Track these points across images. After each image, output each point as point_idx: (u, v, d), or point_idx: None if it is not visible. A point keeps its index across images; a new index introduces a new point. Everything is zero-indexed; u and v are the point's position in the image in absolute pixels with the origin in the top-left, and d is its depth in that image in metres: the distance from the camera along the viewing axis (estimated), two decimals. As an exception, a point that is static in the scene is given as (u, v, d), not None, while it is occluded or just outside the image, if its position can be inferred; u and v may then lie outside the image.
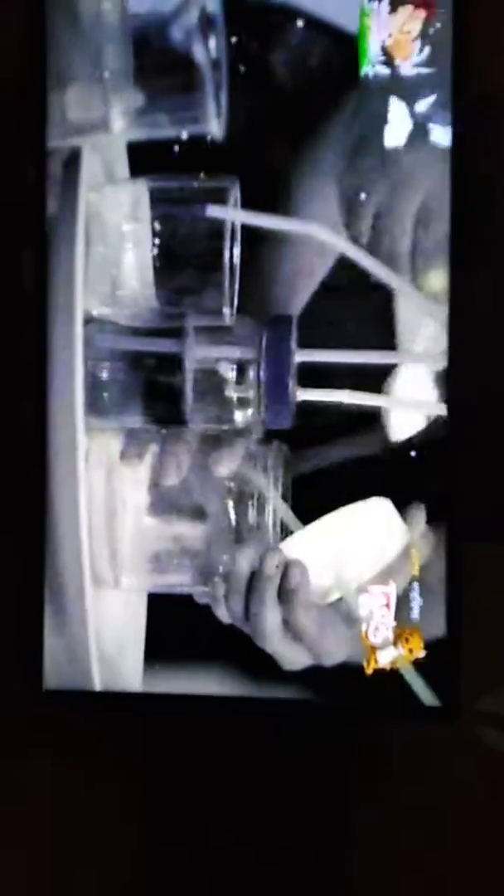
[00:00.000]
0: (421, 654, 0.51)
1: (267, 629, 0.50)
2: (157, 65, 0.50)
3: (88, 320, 0.51)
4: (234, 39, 0.50)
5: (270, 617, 0.50)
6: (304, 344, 0.51)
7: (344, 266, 0.51)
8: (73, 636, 0.52)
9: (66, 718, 0.55)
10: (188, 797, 0.56)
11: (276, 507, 0.51)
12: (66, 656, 0.52)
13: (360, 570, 0.51)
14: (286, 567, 0.50)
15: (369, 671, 0.51)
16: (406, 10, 0.49)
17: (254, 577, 0.50)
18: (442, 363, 0.51)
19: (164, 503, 0.52)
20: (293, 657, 0.51)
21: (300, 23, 0.50)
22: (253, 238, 0.51)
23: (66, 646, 0.52)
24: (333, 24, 0.50)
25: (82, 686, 0.52)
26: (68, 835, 0.56)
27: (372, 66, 0.50)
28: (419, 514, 0.51)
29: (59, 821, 0.56)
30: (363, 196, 0.50)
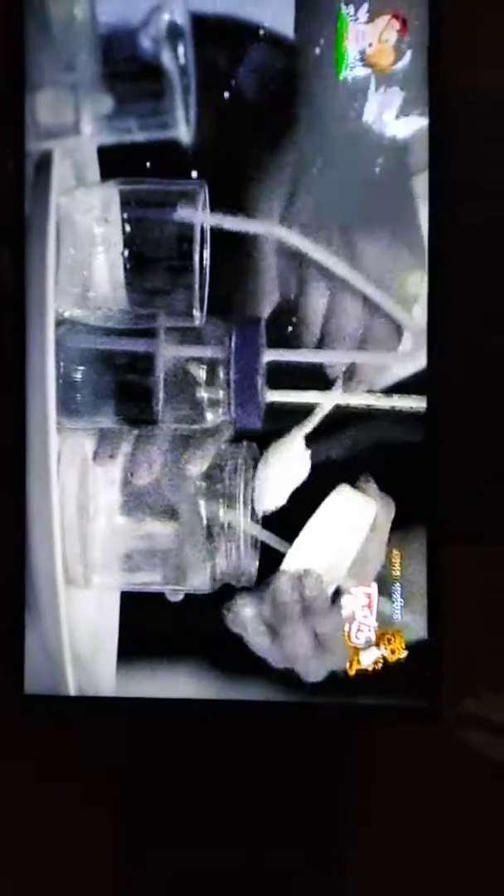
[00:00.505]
0: (403, 655, 0.51)
1: (302, 649, 0.51)
2: (127, 72, 0.51)
3: (60, 322, 0.52)
4: (201, 48, 0.51)
5: (302, 635, 0.51)
6: (275, 344, 0.52)
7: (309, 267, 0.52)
8: (47, 637, 0.52)
9: (47, 721, 0.55)
10: (173, 800, 0.55)
11: (248, 529, 0.52)
12: (41, 658, 0.52)
13: (346, 554, 0.51)
14: (299, 580, 0.51)
15: (352, 672, 0.52)
16: (383, 20, 0.51)
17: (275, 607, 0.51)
18: (415, 364, 0.51)
19: (135, 502, 0.53)
20: (319, 668, 0.52)
21: (262, 33, 0.51)
22: (222, 241, 0.52)
23: (40, 647, 0.52)
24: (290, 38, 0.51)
25: (56, 687, 0.52)
26: (53, 839, 0.56)
27: (350, 70, 0.51)
28: (370, 485, 0.51)
29: (44, 825, 0.56)
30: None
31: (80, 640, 0.53)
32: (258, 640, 0.51)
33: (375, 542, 0.51)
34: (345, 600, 0.51)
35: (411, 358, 0.51)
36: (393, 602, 0.51)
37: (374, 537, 0.51)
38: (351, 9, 0.51)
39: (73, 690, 0.52)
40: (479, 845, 0.53)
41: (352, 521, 0.51)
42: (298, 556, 0.51)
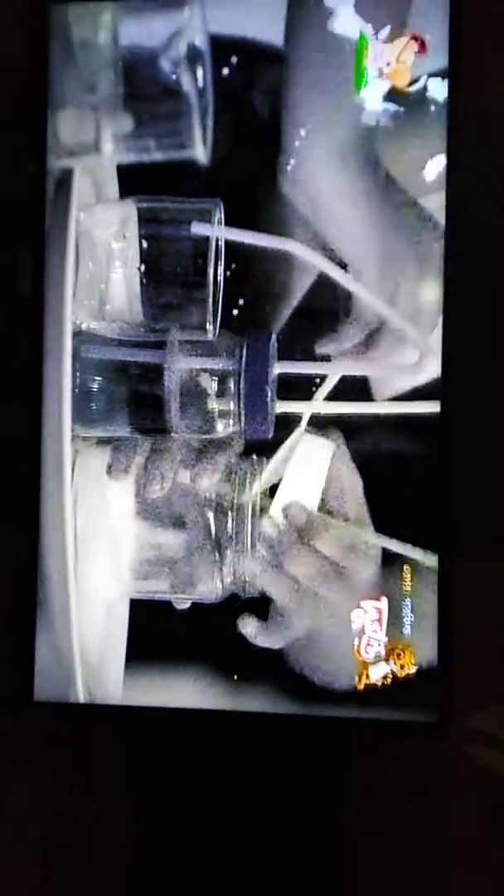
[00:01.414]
0: (412, 670, 0.51)
1: (312, 568, 0.51)
2: (147, 93, 0.53)
3: (78, 333, 0.53)
4: (220, 71, 0.53)
5: (305, 555, 0.51)
6: (286, 357, 0.53)
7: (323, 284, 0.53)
8: (57, 645, 0.53)
9: (56, 728, 0.55)
10: (179, 808, 0.55)
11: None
12: (51, 666, 0.53)
13: (317, 486, 0.53)
14: (286, 514, 0.52)
15: (360, 686, 0.51)
16: (401, 42, 0.52)
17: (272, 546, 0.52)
18: (425, 376, 0.52)
19: (147, 513, 0.54)
20: (340, 595, 0.51)
21: (278, 55, 0.53)
22: (236, 257, 0.53)
23: (50, 655, 0.53)
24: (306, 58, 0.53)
25: (66, 694, 0.53)
26: (61, 841, 0.56)
27: (369, 87, 0.52)
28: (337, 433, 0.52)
29: (50, 830, 0.56)
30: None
31: (90, 648, 0.53)
32: (267, 581, 0.52)
33: (344, 471, 0.52)
34: (355, 615, 0.51)
35: (419, 370, 0.52)
36: (403, 617, 0.52)
37: (341, 467, 0.52)
38: (370, 29, 0.52)
39: (82, 698, 0.53)
40: (487, 860, 0.53)
41: (315, 459, 0.52)
42: (280, 500, 0.53)
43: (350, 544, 0.52)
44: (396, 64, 0.52)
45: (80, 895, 0.56)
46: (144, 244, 0.53)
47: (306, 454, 0.52)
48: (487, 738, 0.53)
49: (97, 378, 0.53)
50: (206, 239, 0.52)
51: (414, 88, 0.52)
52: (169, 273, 0.53)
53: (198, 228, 0.52)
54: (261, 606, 0.53)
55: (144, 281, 0.53)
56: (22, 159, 0.54)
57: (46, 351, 0.52)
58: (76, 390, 0.52)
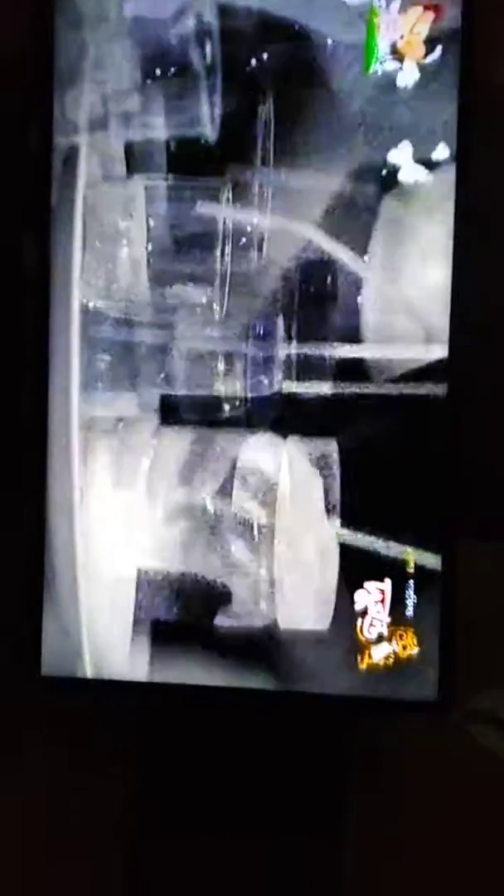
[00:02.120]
0: (415, 650, 0.51)
1: None
2: (155, 70, 0.52)
3: (85, 312, 0.53)
4: (228, 47, 0.52)
5: None
6: (291, 338, 0.52)
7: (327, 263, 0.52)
8: (64, 620, 0.53)
9: (63, 704, 0.55)
10: (182, 782, 0.56)
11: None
12: (58, 641, 0.53)
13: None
14: None
15: (363, 666, 0.51)
16: (416, 11, 0.50)
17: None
18: (431, 356, 0.51)
19: (153, 494, 0.54)
20: None
21: (292, 30, 0.52)
22: (243, 237, 0.52)
23: (57, 630, 0.53)
24: (322, 32, 0.51)
25: (74, 669, 0.53)
26: (64, 821, 0.56)
27: (380, 64, 0.51)
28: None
29: (55, 806, 0.56)
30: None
31: (97, 623, 0.53)
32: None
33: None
34: (358, 595, 0.51)
35: (426, 352, 0.51)
36: (406, 598, 0.51)
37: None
38: (383, 1, 0.51)
39: (89, 673, 0.53)
40: (487, 839, 0.53)
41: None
42: None
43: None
44: (410, 35, 0.50)
45: (84, 865, 0.56)
46: (151, 223, 0.53)
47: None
48: (489, 718, 0.53)
49: (104, 357, 0.53)
50: (214, 218, 0.52)
51: (429, 60, 0.51)
52: (176, 252, 0.52)
53: (205, 208, 0.52)
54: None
55: (151, 260, 0.53)
56: (27, 136, 0.53)
57: (53, 331, 0.52)
58: (82, 369, 0.52)
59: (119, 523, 0.53)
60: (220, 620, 0.53)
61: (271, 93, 0.52)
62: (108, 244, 0.53)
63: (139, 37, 0.52)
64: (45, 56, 0.52)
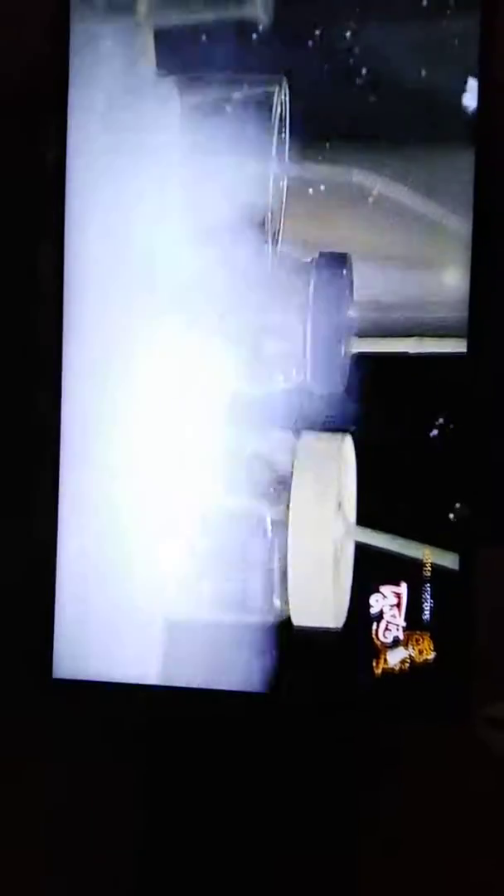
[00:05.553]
0: (431, 656, 0.50)
1: None
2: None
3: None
4: None
5: None
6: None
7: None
8: (75, 623, 0.52)
9: (73, 707, 0.55)
10: (194, 785, 0.55)
11: None
12: (69, 644, 0.52)
13: None
14: None
15: (378, 671, 0.51)
16: None
17: None
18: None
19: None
20: None
21: None
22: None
23: (68, 633, 0.52)
24: None
25: (86, 672, 0.52)
26: (76, 824, 0.56)
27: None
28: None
29: (67, 809, 0.56)
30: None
31: (108, 626, 0.51)
32: None
33: None
34: (374, 599, 0.50)
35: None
36: (423, 602, 0.50)
37: None
38: None
39: (100, 676, 0.52)
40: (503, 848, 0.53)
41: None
42: None
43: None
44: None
45: (93, 868, 0.56)
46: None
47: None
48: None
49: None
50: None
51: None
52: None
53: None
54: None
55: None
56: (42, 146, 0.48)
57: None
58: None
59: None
60: (233, 618, 0.51)
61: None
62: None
63: None
64: (60, 62, 0.47)
